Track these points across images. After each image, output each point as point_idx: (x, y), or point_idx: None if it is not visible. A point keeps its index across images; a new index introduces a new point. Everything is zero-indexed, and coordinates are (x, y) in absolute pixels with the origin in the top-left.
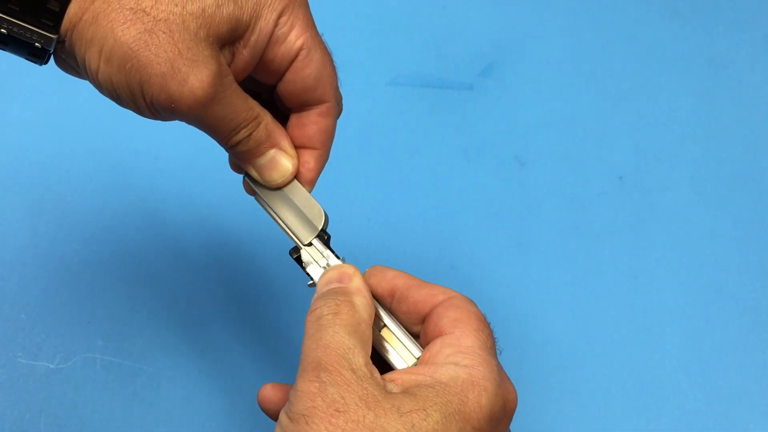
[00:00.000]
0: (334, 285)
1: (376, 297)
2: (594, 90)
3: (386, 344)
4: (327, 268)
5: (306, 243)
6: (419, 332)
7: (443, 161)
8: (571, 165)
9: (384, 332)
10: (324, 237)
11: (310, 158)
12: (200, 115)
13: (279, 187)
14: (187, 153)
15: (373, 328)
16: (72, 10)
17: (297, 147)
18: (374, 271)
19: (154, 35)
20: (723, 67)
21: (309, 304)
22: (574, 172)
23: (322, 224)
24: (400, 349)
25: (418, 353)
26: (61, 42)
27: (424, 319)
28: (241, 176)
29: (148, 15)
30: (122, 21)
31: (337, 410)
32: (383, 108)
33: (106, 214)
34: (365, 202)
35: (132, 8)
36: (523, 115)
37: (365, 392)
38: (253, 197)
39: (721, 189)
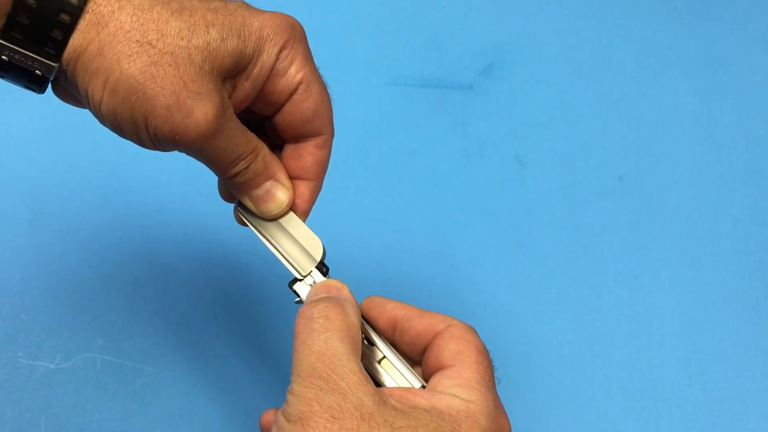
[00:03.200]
0: (323, 295)
1: (377, 330)
2: (594, 90)
3: (387, 377)
4: (313, 285)
5: (305, 274)
6: (421, 362)
7: (443, 161)
8: (571, 165)
9: (384, 363)
10: (323, 269)
11: (305, 189)
12: (202, 147)
13: (274, 219)
14: None
15: (371, 357)
16: (76, 41)
17: (292, 178)
18: (373, 303)
19: (160, 68)
20: (723, 67)
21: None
22: (574, 172)
23: (320, 255)
24: (401, 381)
25: (418, 385)
26: (63, 71)
27: (425, 350)
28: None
29: (153, 48)
30: (128, 53)
31: (333, 416)
32: (383, 108)
33: (106, 214)
34: (365, 202)
35: (138, 41)
36: (523, 115)
37: (360, 402)
38: (245, 227)
39: (721, 189)
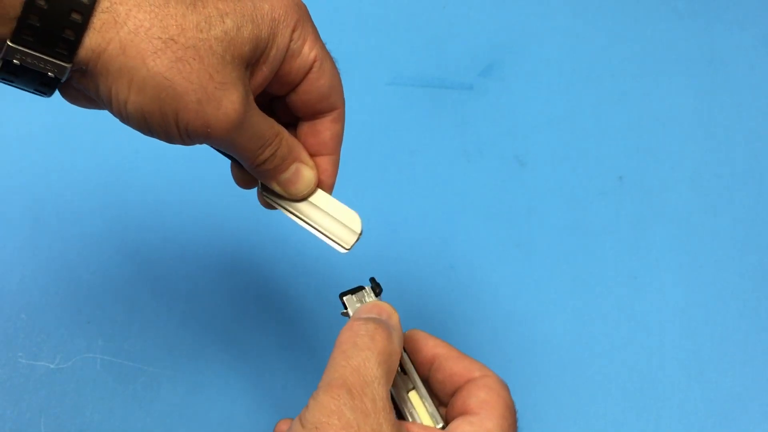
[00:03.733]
0: (374, 315)
1: (415, 363)
2: (594, 90)
3: (412, 408)
4: (364, 302)
5: (349, 247)
6: (448, 403)
7: (443, 161)
8: (571, 165)
9: (412, 395)
10: (377, 290)
11: (327, 165)
12: (233, 136)
13: (303, 199)
14: (188, 151)
15: (400, 386)
16: (94, 41)
17: (312, 155)
18: (416, 336)
19: (185, 63)
20: (723, 67)
21: (308, 303)
22: (574, 172)
23: (360, 227)
24: (424, 417)
25: (440, 423)
26: (79, 71)
27: (455, 392)
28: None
29: (176, 43)
30: (152, 50)
31: None
32: (383, 108)
33: (106, 214)
34: (365, 202)
35: (160, 37)
36: (523, 115)
37: (378, 428)
38: (268, 209)
39: (721, 189)
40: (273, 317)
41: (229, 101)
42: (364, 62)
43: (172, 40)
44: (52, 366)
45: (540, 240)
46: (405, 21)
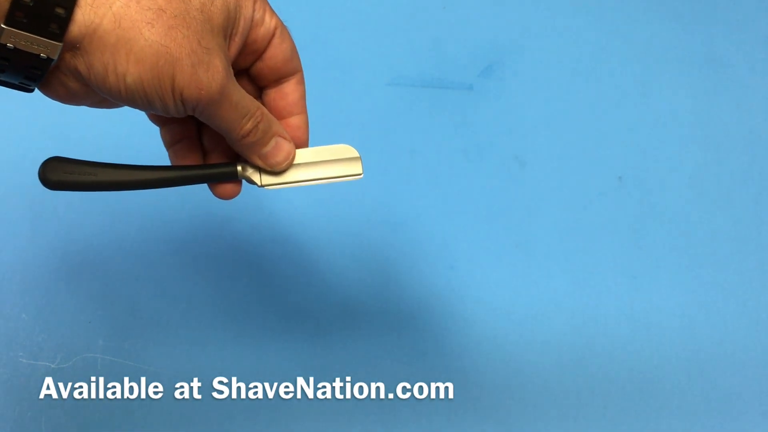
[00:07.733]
0: None
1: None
2: (594, 90)
3: None
4: None
5: (362, 172)
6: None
7: (443, 161)
8: (571, 165)
9: None
10: None
11: (300, 123)
12: (219, 100)
13: (284, 170)
14: None
15: None
16: (87, 16)
17: (283, 118)
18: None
19: (177, 30)
20: (723, 67)
21: (309, 303)
22: (574, 172)
23: (355, 150)
24: None
25: None
26: (71, 50)
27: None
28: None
29: (165, 13)
30: (147, 21)
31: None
32: (383, 108)
33: (106, 215)
34: (365, 202)
35: (151, 8)
36: (523, 115)
37: None
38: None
39: (721, 189)
40: (273, 316)
41: (214, 65)
42: (364, 62)
43: (162, 10)
44: (53, 366)
45: (540, 240)
46: (405, 21)
